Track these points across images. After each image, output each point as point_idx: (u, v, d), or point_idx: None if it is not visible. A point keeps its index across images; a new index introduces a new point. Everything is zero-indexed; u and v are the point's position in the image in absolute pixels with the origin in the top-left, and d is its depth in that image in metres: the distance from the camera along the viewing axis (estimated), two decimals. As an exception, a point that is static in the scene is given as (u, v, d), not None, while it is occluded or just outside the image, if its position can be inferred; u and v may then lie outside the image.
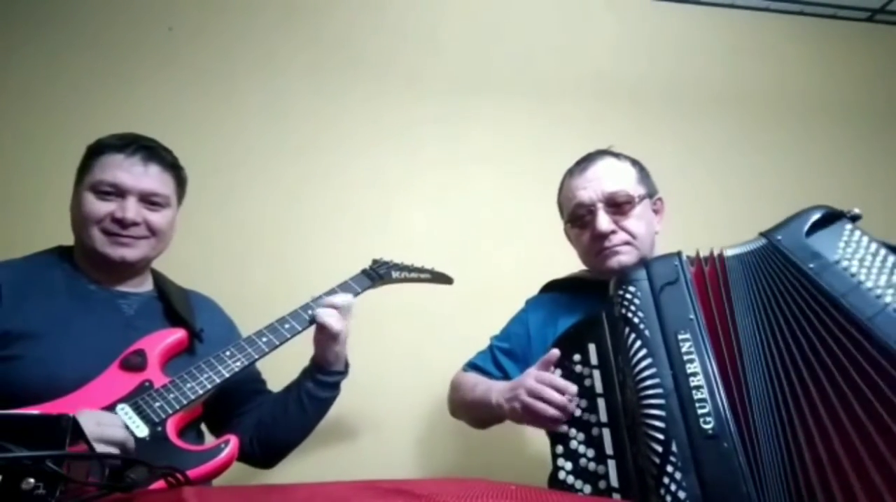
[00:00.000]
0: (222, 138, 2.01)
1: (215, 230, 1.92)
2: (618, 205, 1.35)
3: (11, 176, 1.87)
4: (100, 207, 1.25)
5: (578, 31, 2.35)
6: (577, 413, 1.17)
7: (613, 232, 1.34)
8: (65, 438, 0.64)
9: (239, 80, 2.07)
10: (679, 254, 1.15)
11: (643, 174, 1.43)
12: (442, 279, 1.59)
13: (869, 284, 1.01)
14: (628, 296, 1.13)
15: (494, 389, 1.32)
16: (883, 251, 1.05)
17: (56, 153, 1.87)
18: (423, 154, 2.13)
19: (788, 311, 1.04)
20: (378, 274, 1.47)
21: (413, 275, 1.55)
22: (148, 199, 1.28)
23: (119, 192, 1.26)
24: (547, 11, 2.34)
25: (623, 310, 1.12)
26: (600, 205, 1.35)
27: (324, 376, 1.33)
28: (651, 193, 1.42)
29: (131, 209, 1.26)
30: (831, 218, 1.12)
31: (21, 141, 1.90)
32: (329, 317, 1.29)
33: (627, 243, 1.35)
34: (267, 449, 1.35)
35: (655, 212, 1.44)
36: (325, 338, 1.31)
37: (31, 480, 0.61)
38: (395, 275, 1.51)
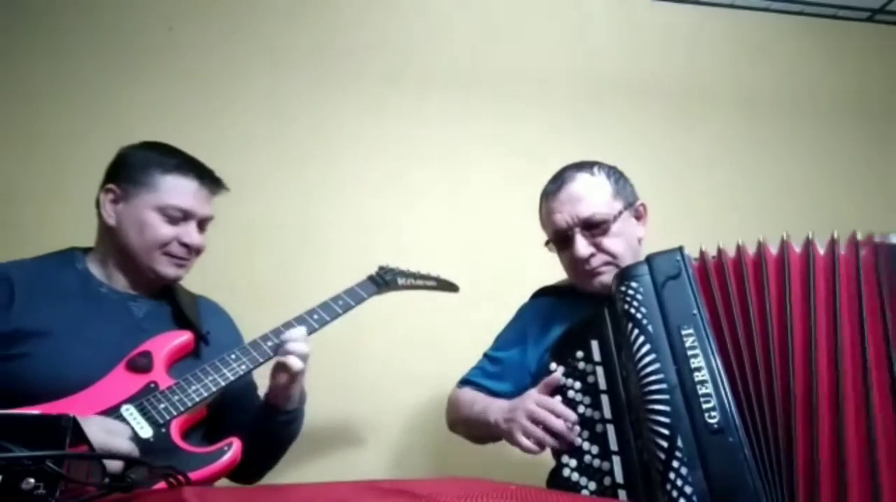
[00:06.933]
0: (223, 139, 2.01)
1: (219, 233, 1.92)
2: (594, 227, 1.34)
3: (13, 176, 1.87)
4: (168, 231, 1.28)
5: (578, 31, 2.35)
6: (581, 410, 1.16)
7: (592, 255, 1.34)
8: (65, 438, 0.64)
9: (240, 80, 2.07)
10: (681, 248, 1.14)
11: (619, 185, 1.39)
12: (447, 287, 1.60)
13: None
14: (630, 291, 1.12)
15: (493, 408, 1.31)
16: None
17: (57, 153, 1.88)
18: (426, 156, 2.13)
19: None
20: (384, 280, 1.48)
21: (419, 282, 1.55)
22: (202, 224, 1.34)
23: (185, 217, 1.30)
24: (547, 12, 2.34)
25: (625, 306, 1.11)
26: (577, 230, 1.34)
27: (281, 416, 1.32)
28: (630, 203, 1.39)
29: (197, 236, 1.31)
30: None
31: (22, 141, 1.90)
32: (293, 360, 1.25)
33: (608, 263, 1.34)
34: (246, 467, 1.32)
35: (637, 218, 1.41)
36: (287, 377, 1.27)
37: (31, 480, 0.61)
38: (401, 281, 1.51)
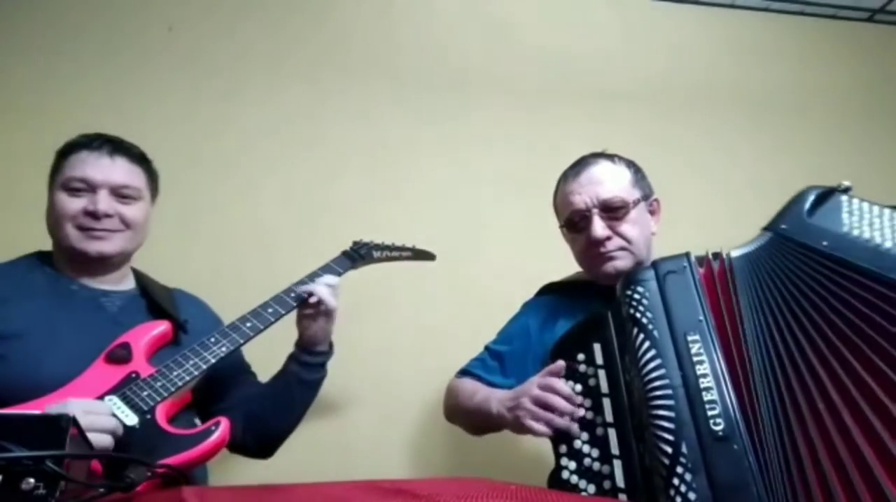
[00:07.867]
0: (221, 138, 2.01)
1: (212, 229, 1.92)
2: (613, 211, 1.35)
3: (13, 177, 1.86)
4: (72, 203, 1.27)
5: (578, 31, 2.35)
6: (581, 412, 1.16)
7: (609, 238, 1.34)
8: (64, 438, 0.64)
9: (239, 79, 2.07)
10: (688, 254, 1.13)
11: (638, 176, 1.42)
12: (424, 256, 1.59)
13: (888, 244, 1.00)
14: (636, 296, 1.11)
15: (494, 398, 1.30)
16: (887, 211, 1.04)
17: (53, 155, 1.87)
18: (422, 155, 2.13)
19: (808, 297, 1.02)
20: (359, 254, 1.48)
21: (395, 253, 1.54)
22: (119, 193, 1.30)
23: (90, 187, 1.27)
24: (547, 11, 2.34)
25: (631, 311, 1.11)
26: (595, 211, 1.35)
27: (310, 357, 1.34)
28: (646, 195, 1.41)
29: (103, 201, 1.27)
30: (825, 195, 1.11)
31: (21, 141, 1.89)
32: (326, 294, 1.31)
33: (623, 248, 1.35)
34: (261, 439, 1.35)
35: (651, 213, 1.43)
36: (318, 314, 1.32)
37: (31, 480, 0.61)
38: (375, 254, 1.51)
